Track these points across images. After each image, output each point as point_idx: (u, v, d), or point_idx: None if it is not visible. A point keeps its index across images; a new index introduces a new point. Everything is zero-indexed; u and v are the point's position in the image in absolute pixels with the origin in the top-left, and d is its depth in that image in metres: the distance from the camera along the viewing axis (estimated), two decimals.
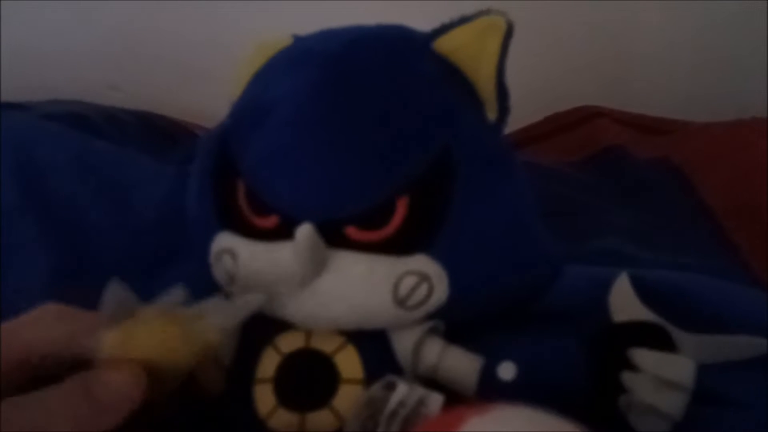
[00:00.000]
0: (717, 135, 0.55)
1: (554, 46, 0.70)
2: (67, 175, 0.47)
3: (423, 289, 0.27)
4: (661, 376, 0.25)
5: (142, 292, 0.25)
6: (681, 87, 0.72)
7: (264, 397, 0.28)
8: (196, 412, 0.28)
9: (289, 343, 0.29)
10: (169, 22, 0.73)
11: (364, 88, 0.28)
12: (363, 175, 0.27)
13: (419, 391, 0.27)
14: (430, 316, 0.28)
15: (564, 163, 0.58)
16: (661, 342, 0.26)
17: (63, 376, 0.22)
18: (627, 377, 0.26)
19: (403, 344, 0.29)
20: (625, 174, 0.55)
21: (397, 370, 0.29)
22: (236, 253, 0.29)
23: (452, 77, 0.30)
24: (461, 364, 0.29)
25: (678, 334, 0.27)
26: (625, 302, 0.29)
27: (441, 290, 0.27)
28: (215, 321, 0.25)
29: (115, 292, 0.23)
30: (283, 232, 0.27)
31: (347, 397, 0.27)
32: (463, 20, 0.29)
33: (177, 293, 0.25)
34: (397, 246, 0.27)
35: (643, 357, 0.26)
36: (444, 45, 0.30)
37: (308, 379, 0.28)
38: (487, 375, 0.28)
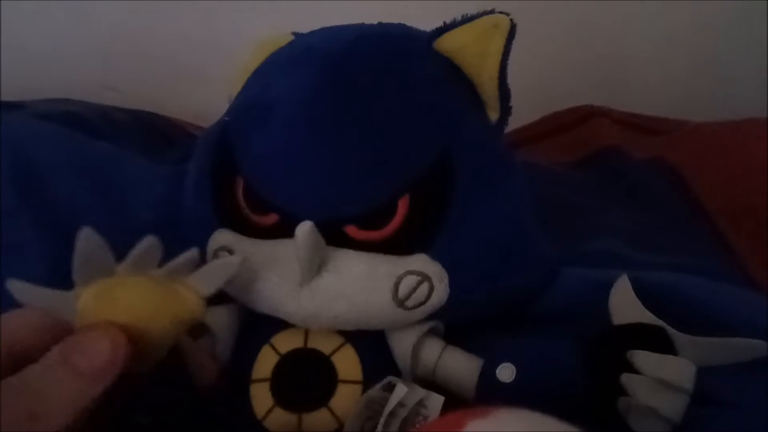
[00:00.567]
0: (713, 135, 0.55)
1: (550, 45, 0.70)
2: (63, 175, 0.47)
3: (423, 289, 0.27)
4: (660, 379, 0.25)
5: None
6: (677, 87, 0.72)
7: (261, 397, 0.28)
8: (193, 411, 0.28)
9: (287, 342, 0.29)
10: (166, 23, 0.72)
11: (366, 87, 0.28)
12: (364, 175, 0.27)
13: (419, 392, 0.27)
14: (429, 317, 0.28)
15: (560, 163, 0.58)
16: (661, 344, 0.26)
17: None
18: (626, 379, 0.26)
19: (402, 345, 0.29)
20: (621, 174, 0.55)
21: (395, 371, 0.29)
22: (234, 250, 0.29)
23: (454, 77, 0.30)
24: (460, 366, 0.29)
25: (677, 337, 0.26)
26: (625, 304, 0.29)
27: (441, 290, 0.27)
28: (194, 286, 0.24)
29: (88, 242, 0.21)
30: (283, 231, 0.27)
31: (345, 398, 0.27)
32: (466, 20, 0.29)
33: (191, 255, 0.24)
34: (397, 245, 0.27)
35: (643, 359, 0.26)
36: (446, 44, 0.30)
37: (306, 379, 0.28)
38: (486, 377, 0.28)
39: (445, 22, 0.30)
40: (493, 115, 0.30)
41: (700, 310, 0.34)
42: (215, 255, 0.29)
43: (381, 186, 0.27)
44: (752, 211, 0.45)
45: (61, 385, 0.20)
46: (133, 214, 0.46)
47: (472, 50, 0.29)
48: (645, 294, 0.29)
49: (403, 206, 0.27)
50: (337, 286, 0.27)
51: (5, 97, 0.59)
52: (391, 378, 0.27)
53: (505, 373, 0.28)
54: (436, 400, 0.27)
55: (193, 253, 0.24)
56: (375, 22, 0.32)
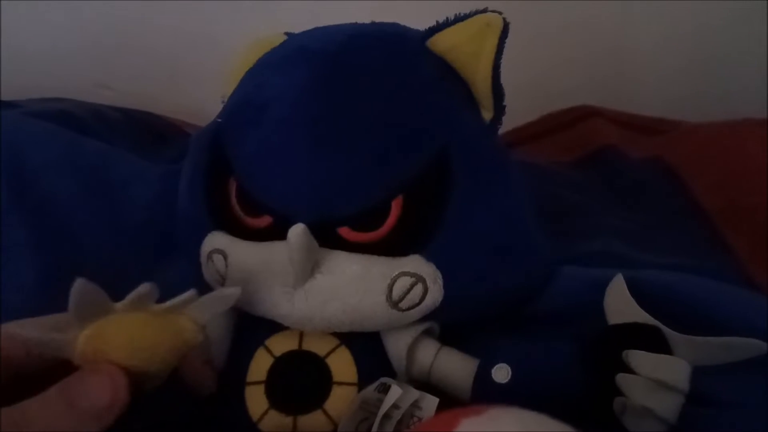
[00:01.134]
0: (709, 135, 0.55)
1: (547, 44, 0.70)
2: (57, 173, 0.47)
3: (418, 291, 0.27)
4: (656, 379, 0.25)
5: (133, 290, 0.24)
6: (674, 87, 0.72)
7: (256, 400, 0.28)
8: (188, 414, 0.28)
9: (282, 344, 0.28)
10: (160, 21, 0.72)
11: (359, 87, 0.28)
12: (357, 175, 0.27)
13: (414, 393, 0.26)
14: (424, 318, 0.28)
15: (557, 162, 0.58)
16: (656, 344, 0.26)
17: (46, 377, 0.21)
18: (622, 379, 0.26)
19: (397, 346, 0.29)
20: (618, 174, 0.55)
21: (390, 372, 0.28)
22: (227, 253, 0.28)
23: (447, 76, 0.29)
24: (456, 367, 0.29)
25: (673, 336, 0.26)
26: (620, 304, 0.28)
27: (436, 291, 0.27)
28: (191, 315, 0.24)
29: (81, 291, 0.22)
30: (276, 233, 0.27)
31: (340, 400, 0.27)
32: (459, 19, 0.29)
33: (189, 295, 0.24)
34: (391, 247, 0.27)
35: (638, 359, 0.26)
36: (439, 44, 0.30)
37: (301, 382, 0.28)
38: (482, 377, 0.28)
39: (438, 22, 0.30)
40: (487, 115, 0.30)
41: (697, 310, 0.34)
42: (209, 257, 0.29)
43: (375, 187, 0.27)
44: (750, 210, 0.45)
45: (60, 422, 0.21)
46: (127, 213, 0.46)
47: (465, 49, 0.29)
48: (642, 293, 0.29)
49: (396, 207, 0.27)
50: (330, 288, 0.27)
51: None
52: (384, 379, 0.27)
53: (501, 373, 0.28)
54: (431, 402, 0.26)
55: (190, 293, 0.24)
56: (368, 21, 0.32)
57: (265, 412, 0.27)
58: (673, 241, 0.45)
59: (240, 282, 0.28)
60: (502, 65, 0.29)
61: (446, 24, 0.29)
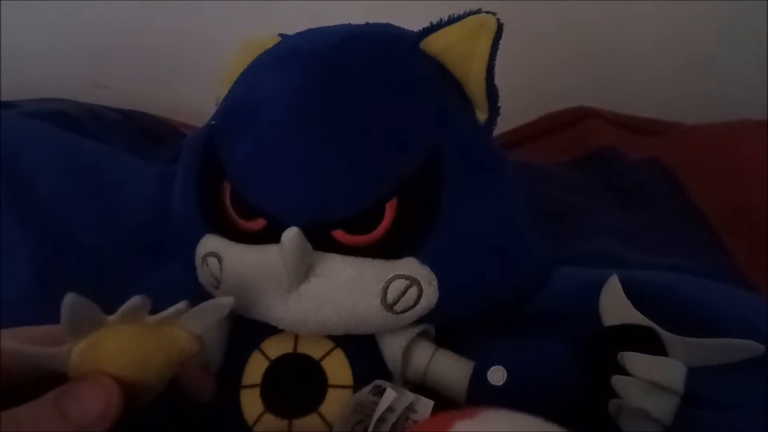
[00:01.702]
0: (706, 136, 0.55)
1: (544, 45, 0.70)
2: (53, 174, 0.47)
3: (412, 293, 0.27)
4: (651, 380, 0.25)
5: (130, 291, 0.24)
6: (671, 88, 0.72)
7: (251, 403, 0.28)
8: (183, 418, 0.28)
9: (277, 348, 0.28)
10: (156, 21, 0.72)
11: (353, 88, 0.28)
12: (351, 178, 0.27)
13: (409, 396, 0.26)
14: (419, 320, 0.28)
15: (554, 163, 0.58)
16: (652, 345, 0.26)
17: (34, 388, 0.21)
18: (617, 381, 0.26)
19: (392, 349, 0.28)
20: (615, 175, 0.55)
21: (386, 375, 0.28)
22: (222, 256, 0.28)
23: (441, 77, 0.29)
24: (451, 369, 0.29)
25: (668, 337, 0.26)
26: (615, 305, 0.28)
27: (430, 294, 0.27)
28: (185, 326, 0.24)
29: (73, 305, 0.22)
30: (270, 236, 0.27)
31: (335, 403, 0.27)
32: (452, 20, 0.29)
33: (181, 306, 0.24)
34: (385, 249, 0.27)
35: (633, 361, 0.26)
36: (433, 45, 0.29)
37: (296, 385, 0.28)
38: (477, 379, 0.28)
39: (431, 23, 0.30)
40: (482, 116, 0.30)
41: (694, 310, 0.34)
42: (203, 260, 0.29)
43: (368, 189, 0.27)
44: (746, 211, 0.46)
45: (51, 428, 0.20)
46: (123, 213, 0.46)
47: (459, 50, 0.29)
48: (639, 294, 0.29)
49: (390, 209, 0.27)
50: (324, 291, 0.26)
51: None
52: (379, 382, 0.27)
53: (496, 375, 0.27)
54: (426, 405, 0.26)
55: (182, 305, 0.24)
56: (361, 21, 0.32)
57: (261, 416, 0.27)
58: (670, 241, 0.45)
59: (235, 285, 0.28)
60: (498, 66, 0.29)
61: (440, 25, 0.29)
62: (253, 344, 0.29)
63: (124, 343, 0.23)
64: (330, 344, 0.28)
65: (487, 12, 0.29)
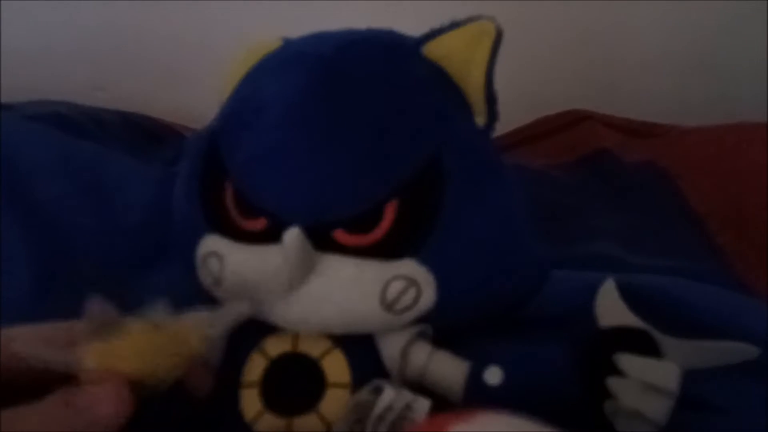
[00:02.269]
0: (703, 139, 0.56)
1: (543, 49, 0.70)
2: (52, 176, 0.47)
3: (410, 294, 0.27)
4: (646, 382, 0.25)
5: (128, 293, 0.25)
6: (668, 91, 0.72)
7: (250, 401, 0.28)
8: (183, 415, 0.28)
9: (276, 346, 0.29)
10: (155, 23, 0.72)
11: (355, 91, 0.28)
12: (352, 179, 0.27)
13: (406, 395, 0.27)
14: (418, 321, 0.28)
15: (552, 166, 0.59)
16: (647, 347, 0.27)
17: (47, 389, 0.21)
18: (613, 383, 0.26)
19: (390, 348, 0.29)
20: (612, 177, 0.56)
21: (384, 374, 0.29)
22: (223, 256, 0.29)
23: (442, 82, 0.30)
24: (448, 369, 0.29)
25: (663, 340, 0.27)
26: (610, 307, 0.29)
27: (428, 295, 0.27)
28: (200, 331, 0.25)
29: (95, 307, 0.22)
30: (271, 235, 0.27)
31: (334, 402, 0.27)
32: (453, 25, 0.30)
33: (161, 306, 0.24)
34: (385, 250, 0.27)
35: (629, 362, 0.26)
36: (434, 50, 0.30)
37: (295, 384, 0.28)
38: (474, 380, 0.28)
39: (432, 28, 0.30)
40: (481, 120, 0.30)
41: (691, 313, 0.34)
42: (204, 261, 0.29)
43: (369, 190, 0.27)
44: (743, 214, 0.46)
45: (61, 428, 0.21)
46: (122, 215, 0.46)
47: (459, 56, 0.29)
48: (635, 296, 0.29)
49: (391, 211, 0.27)
50: (324, 291, 0.27)
51: None
52: (377, 381, 0.27)
53: (493, 376, 0.28)
54: (423, 404, 0.27)
55: (202, 311, 0.25)
56: (363, 26, 0.32)
57: (260, 414, 0.28)
58: (666, 244, 0.45)
59: (235, 285, 0.28)
60: (500, 70, 0.29)
61: (441, 30, 0.30)
62: (253, 343, 0.29)
63: (140, 348, 0.23)
64: (329, 343, 0.28)
65: (488, 18, 0.29)
